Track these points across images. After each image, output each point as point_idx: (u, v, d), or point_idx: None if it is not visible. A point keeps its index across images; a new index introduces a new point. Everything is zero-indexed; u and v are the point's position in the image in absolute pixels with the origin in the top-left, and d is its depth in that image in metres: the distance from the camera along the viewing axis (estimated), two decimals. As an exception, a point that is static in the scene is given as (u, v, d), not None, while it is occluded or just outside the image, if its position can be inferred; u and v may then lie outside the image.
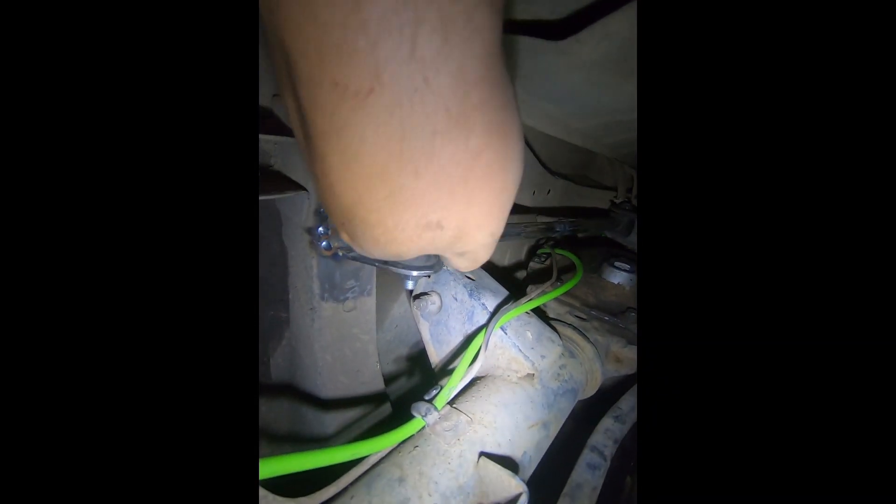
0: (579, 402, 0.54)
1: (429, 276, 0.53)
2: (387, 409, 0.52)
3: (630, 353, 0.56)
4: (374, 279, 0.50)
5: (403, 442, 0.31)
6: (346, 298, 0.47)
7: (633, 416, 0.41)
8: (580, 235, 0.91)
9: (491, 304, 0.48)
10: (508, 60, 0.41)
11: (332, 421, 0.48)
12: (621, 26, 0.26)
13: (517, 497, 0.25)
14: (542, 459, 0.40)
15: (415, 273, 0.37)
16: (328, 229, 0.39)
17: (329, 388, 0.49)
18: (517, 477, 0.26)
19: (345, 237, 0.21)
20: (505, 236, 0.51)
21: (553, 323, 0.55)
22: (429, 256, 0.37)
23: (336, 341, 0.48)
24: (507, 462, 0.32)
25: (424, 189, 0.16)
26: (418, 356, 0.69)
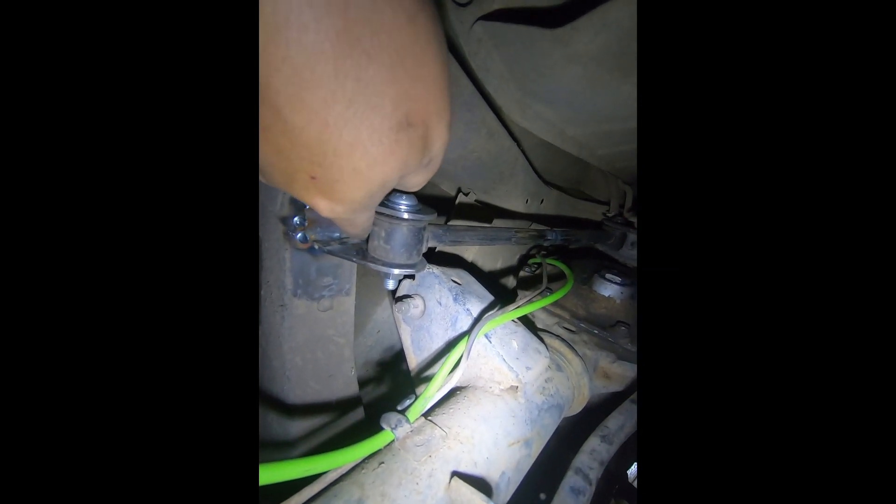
0: (564, 419, 0.51)
1: (412, 278, 0.50)
2: (359, 413, 0.49)
3: (619, 370, 0.54)
4: (354, 278, 0.47)
5: (369, 457, 0.28)
6: (322, 297, 0.44)
7: (621, 437, 0.38)
8: (571, 246, 0.90)
9: (476, 310, 0.45)
10: (506, 52, 0.40)
11: (297, 426, 0.44)
12: (621, 15, 0.25)
13: (490, 526, 0.22)
14: (523, 481, 0.37)
15: (396, 271, 0.34)
16: (304, 220, 0.36)
17: (297, 393, 0.45)
18: (492, 502, 0.23)
19: (322, 204, 0.19)
20: (494, 239, 0.49)
21: (540, 334, 0.53)
22: (410, 254, 0.35)
23: (308, 343, 0.45)
24: (483, 484, 0.29)
25: (378, 73, 0.15)
26: (397, 362, 0.65)
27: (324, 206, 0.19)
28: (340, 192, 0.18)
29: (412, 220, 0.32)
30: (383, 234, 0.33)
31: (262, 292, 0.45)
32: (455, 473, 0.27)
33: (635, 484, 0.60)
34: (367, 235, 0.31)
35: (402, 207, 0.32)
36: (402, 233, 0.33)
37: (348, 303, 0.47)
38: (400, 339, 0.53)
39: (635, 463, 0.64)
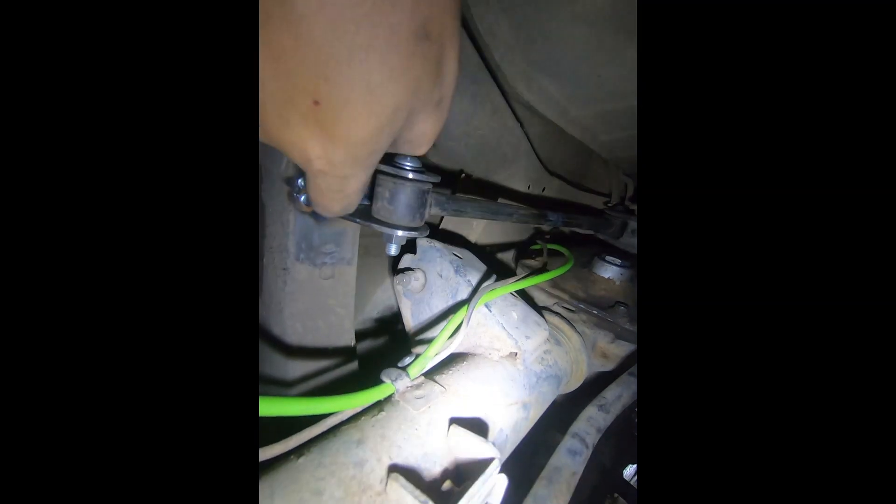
0: (562, 396, 0.52)
1: (413, 252, 0.51)
2: (354, 366, 0.49)
3: (617, 349, 0.54)
4: (356, 248, 0.47)
5: (369, 407, 0.28)
6: (324, 264, 0.44)
7: (618, 407, 0.39)
8: (572, 230, 0.90)
9: (477, 281, 0.46)
10: (514, 14, 0.40)
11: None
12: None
13: (489, 461, 0.22)
14: (521, 452, 0.37)
15: (399, 233, 0.35)
16: (309, 181, 0.37)
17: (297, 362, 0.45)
18: (490, 442, 0.24)
19: (318, 148, 0.16)
20: (497, 214, 0.50)
21: (540, 310, 0.53)
22: (414, 217, 0.35)
23: (309, 310, 0.45)
24: (481, 431, 0.29)
25: None
26: (395, 331, 0.65)
27: (320, 151, 0.16)
28: (346, 122, 0.15)
29: (417, 179, 0.33)
30: (387, 194, 0.34)
31: (265, 260, 0.45)
32: (453, 420, 0.27)
33: (632, 482, 0.61)
34: (350, 210, 0.27)
35: (408, 167, 0.32)
36: (406, 193, 0.34)
37: (350, 273, 0.47)
38: (400, 314, 0.53)
39: (631, 465, 0.65)
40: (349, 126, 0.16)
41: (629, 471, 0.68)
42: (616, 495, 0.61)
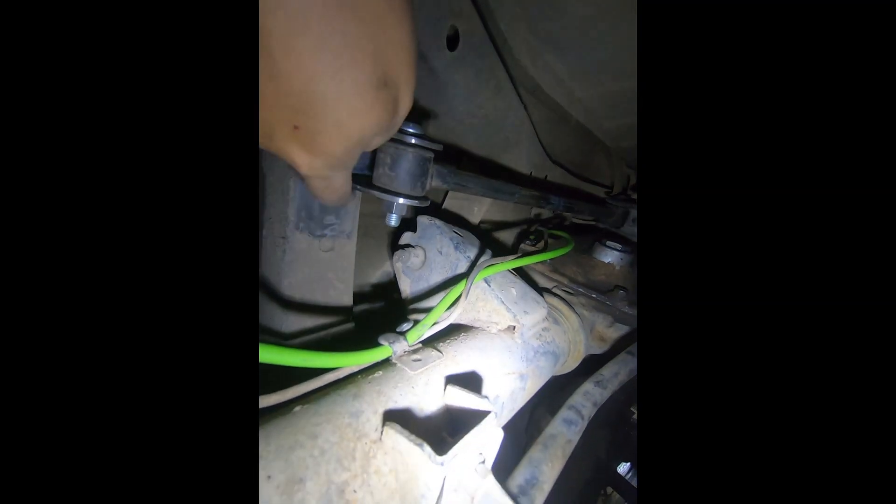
0: (557, 377, 0.52)
1: (413, 230, 0.50)
2: (350, 326, 0.49)
3: (614, 334, 0.54)
4: (357, 222, 0.47)
5: (366, 368, 0.28)
6: (324, 236, 0.44)
7: (615, 383, 0.39)
8: (574, 219, 0.90)
9: (476, 256, 0.45)
10: None
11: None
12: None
13: (484, 414, 0.22)
14: (518, 439, 0.37)
15: (401, 200, 0.34)
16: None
17: (294, 329, 0.45)
18: (486, 397, 0.23)
19: (302, 157, 0.19)
20: (498, 192, 0.49)
21: (540, 291, 0.53)
22: (415, 185, 0.35)
23: (307, 282, 0.45)
24: (477, 391, 0.29)
25: (362, 31, 0.16)
26: (392, 300, 0.66)
27: (303, 160, 0.20)
28: (322, 144, 0.19)
29: (419, 146, 0.32)
30: (388, 160, 0.34)
31: (264, 230, 0.45)
32: (450, 378, 0.27)
33: (627, 478, 0.61)
34: (345, 203, 0.31)
35: (410, 131, 0.32)
36: (408, 159, 0.33)
37: (349, 247, 0.47)
38: (399, 292, 0.53)
39: (624, 462, 0.65)
40: (324, 146, 0.19)
41: (623, 468, 0.69)
42: (610, 489, 0.61)
